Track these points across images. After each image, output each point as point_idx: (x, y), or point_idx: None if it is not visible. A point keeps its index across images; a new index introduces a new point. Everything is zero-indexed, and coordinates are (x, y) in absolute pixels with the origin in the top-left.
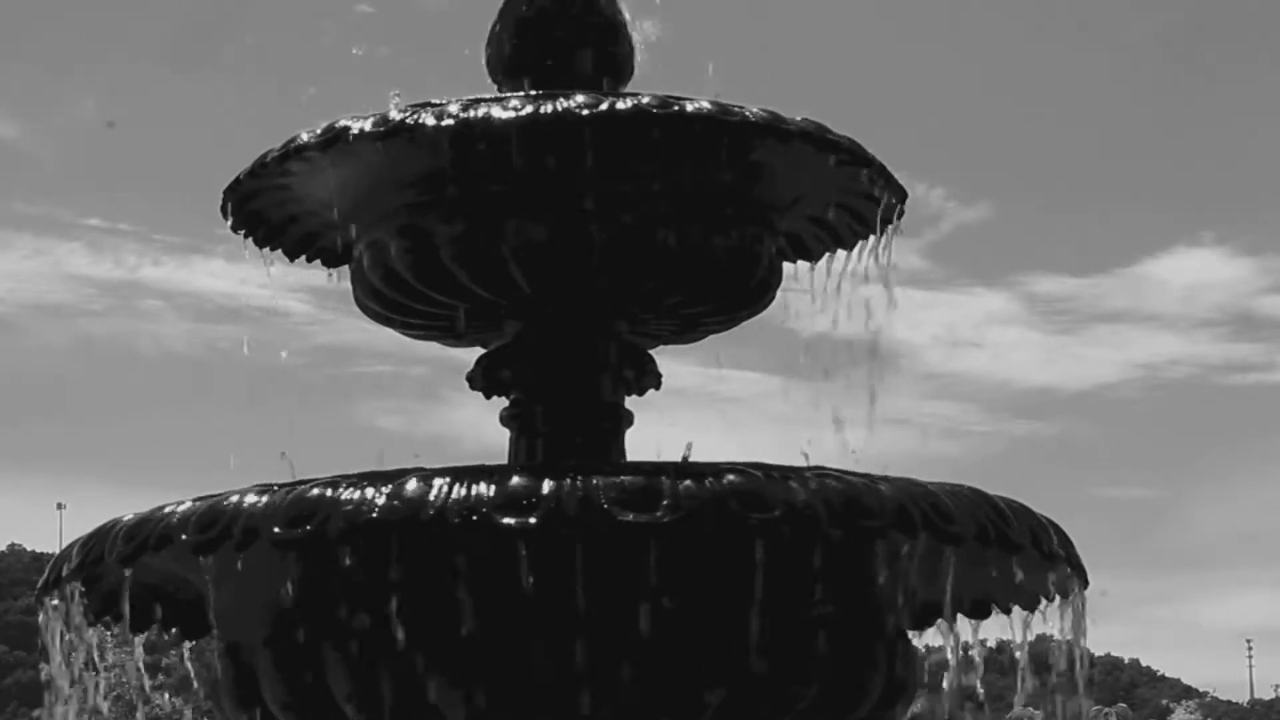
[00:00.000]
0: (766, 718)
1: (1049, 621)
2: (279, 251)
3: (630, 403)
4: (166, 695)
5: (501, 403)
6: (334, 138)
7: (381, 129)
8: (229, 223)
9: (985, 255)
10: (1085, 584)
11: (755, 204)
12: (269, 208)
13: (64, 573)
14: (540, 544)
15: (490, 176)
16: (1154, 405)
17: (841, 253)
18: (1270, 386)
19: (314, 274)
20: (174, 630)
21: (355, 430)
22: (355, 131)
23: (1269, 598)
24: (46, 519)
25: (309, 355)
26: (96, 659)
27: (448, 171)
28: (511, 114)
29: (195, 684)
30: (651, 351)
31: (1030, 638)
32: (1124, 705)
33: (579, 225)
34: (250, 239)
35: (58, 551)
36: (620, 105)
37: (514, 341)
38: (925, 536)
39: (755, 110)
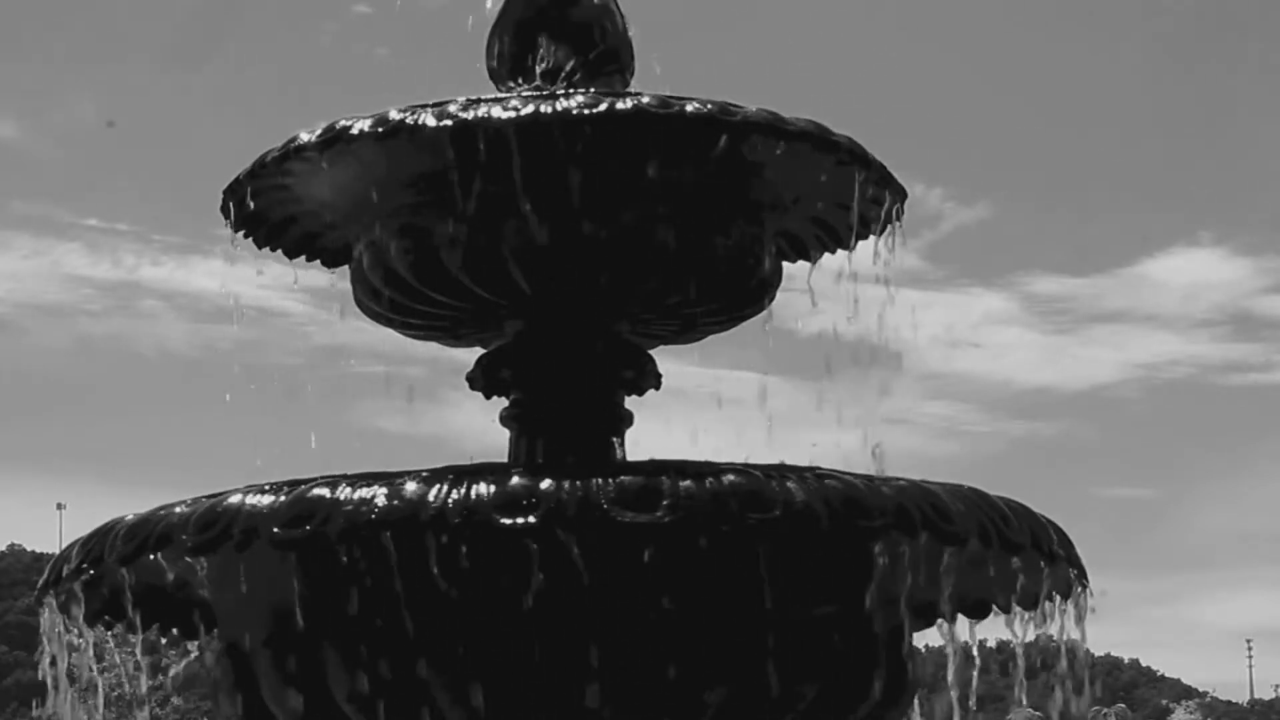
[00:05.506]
0: (767, 718)
1: (1049, 621)
2: (279, 251)
3: (630, 403)
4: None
5: (501, 403)
6: (334, 138)
7: (381, 129)
8: (228, 223)
9: (984, 255)
10: (1085, 584)
11: (755, 204)
12: (269, 208)
13: (64, 573)
14: (540, 544)
15: (490, 176)
16: (1153, 405)
17: (841, 253)
18: (1269, 386)
19: (314, 274)
20: (174, 630)
21: (354, 430)
22: (355, 131)
23: (1269, 598)
24: (46, 519)
25: (307, 355)
26: (95, 659)
27: (448, 171)
28: (512, 114)
29: (190, 685)
30: (651, 351)
31: (1030, 637)
32: (1123, 705)
33: (579, 225)
34: (250, 239)
35: (58, 551)
36: (620, 105)
37: (514, 341)
38: (925, 536)
39: (755, 110)
